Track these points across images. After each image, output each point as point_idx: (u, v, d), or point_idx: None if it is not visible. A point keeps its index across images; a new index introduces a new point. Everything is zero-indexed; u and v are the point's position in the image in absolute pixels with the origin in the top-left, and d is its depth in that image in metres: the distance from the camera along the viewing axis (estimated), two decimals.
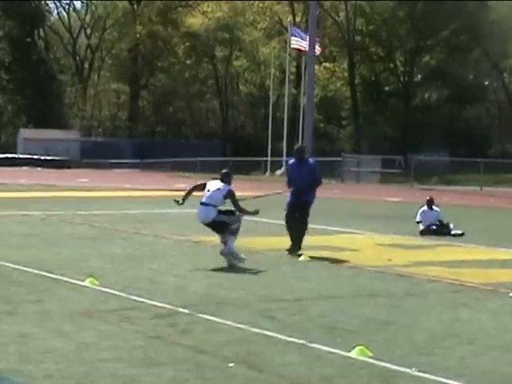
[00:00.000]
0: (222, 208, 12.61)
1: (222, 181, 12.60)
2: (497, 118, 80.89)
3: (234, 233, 12.42)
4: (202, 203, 12.52)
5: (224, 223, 12.39)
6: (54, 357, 6.85)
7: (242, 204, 12.69)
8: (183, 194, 12.97)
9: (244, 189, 33.21)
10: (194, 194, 12.89)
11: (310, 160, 14.45)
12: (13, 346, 7.16)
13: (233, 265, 12.23)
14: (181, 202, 12.87)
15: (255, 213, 12.86)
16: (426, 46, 72.01)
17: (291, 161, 14.72)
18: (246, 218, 12.96)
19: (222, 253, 12.38)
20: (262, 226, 18.76)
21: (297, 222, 14.09)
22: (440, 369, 6.88)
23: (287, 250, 13.88)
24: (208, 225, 12.64)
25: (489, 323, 8.98)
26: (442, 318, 9.03)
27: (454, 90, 70.34)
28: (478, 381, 6.58)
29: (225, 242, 12.43)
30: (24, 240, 14.82)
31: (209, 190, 12.50)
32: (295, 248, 13.87)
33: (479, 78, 74.26)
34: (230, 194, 12.45)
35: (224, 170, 13.01)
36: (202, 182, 12.96)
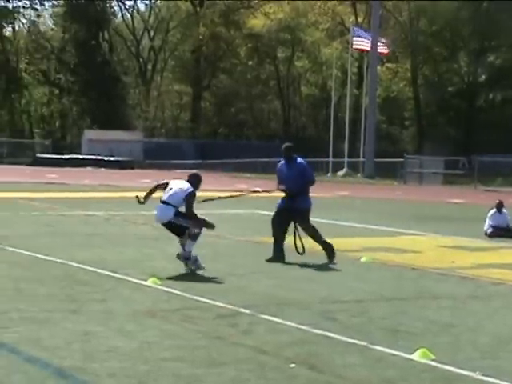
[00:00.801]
0: (183, 210, 11.57)
1: (189, 181, 11.66)
2: None
3: (194, 237, 11.45)
4: (161, 201, 11.55)
5: (181, 227, 11.41)
6: (118, 355, 6.92)
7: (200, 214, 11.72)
8: (145, 193, 12.13)
9: None
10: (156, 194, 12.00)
11: (299, 159, 13.45)
12: (77, 344, 7.26)
13: (192, 271, 11.36)
14: (142, 201, 11.97)
15: (209, 226, 11.73)
16: (491, 46, 71.07)
17: (280, 162, 13.66)
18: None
19: (178, 256, 11.53)
20: (326, 227, 18.71)
21: (305, 231, 13.16)
22: (504, 373, 6.78)
23: (268, 260, 12.78)
24: (164, 225, 11.59)
25: None
26: (507, 321, 8.90)
27: None
28: None
29: (183, 245, 11.56)
30: (88, 240, 15.02)
31: (171, 189, 11.54)
32: (331, 254, 13.06)
33: None
34: (190, 196, 11.44)
35: (194, 172, 12.18)
36: (165, 180, 11.86)
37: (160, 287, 10.13)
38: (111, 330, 7.83)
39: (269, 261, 12.73)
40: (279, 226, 13.08)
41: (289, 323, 8.30)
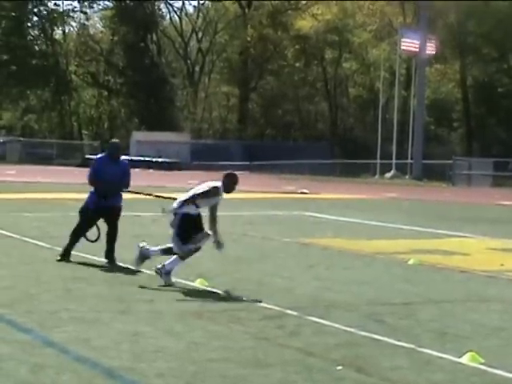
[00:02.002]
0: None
1: (222, 182, 10.59)
2: None
3: (183, 256, 10.49)
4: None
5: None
6: (165, 356, 6.96)
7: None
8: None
9: (353, 192, 33.08)
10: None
11: (124, 161, 12.57)
12: (126, 344, 7.32)
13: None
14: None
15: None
16: None
17: (100, 155, 12.70)
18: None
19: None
20: (373, 228, 18.64)
21: (109, 228, 12.34)
22: None
23: (59, 259, 12.01)
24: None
25: None
26: None
27: None
28: None
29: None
30: (136, 240, 15.10)
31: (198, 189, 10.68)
32: (111, 257, 12.10)
33: None
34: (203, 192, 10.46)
35: (228, 172, 10.88)
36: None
37: (207, 288, 10.17)
38: (159, 331, 7.88)
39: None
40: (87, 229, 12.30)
41: (336, 325, 8.28)
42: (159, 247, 10.94)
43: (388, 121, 63.37)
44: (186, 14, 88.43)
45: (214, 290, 10.02)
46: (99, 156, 12.75)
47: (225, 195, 10.67)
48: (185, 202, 10.52)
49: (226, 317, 8.57)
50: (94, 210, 12.23)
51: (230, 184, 10.55)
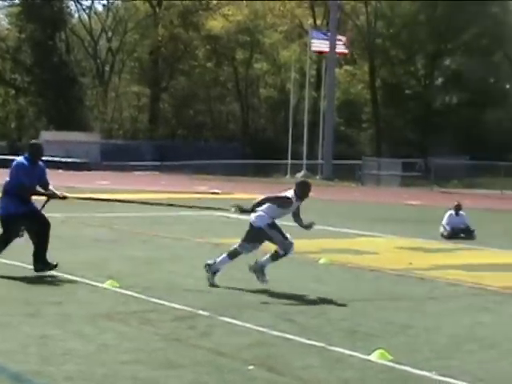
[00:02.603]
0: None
1: (294, 191, 10.98)
2: None
3: (275, 257, 11.05)
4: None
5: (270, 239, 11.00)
6: (75, 358, 6.86)
7: None
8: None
9: (264, 192, 33.23)
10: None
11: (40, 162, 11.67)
12: (34, 347, 7.19)
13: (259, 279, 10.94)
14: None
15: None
16: (447, 49, 71.85)
17: (21, 159, 11.50)
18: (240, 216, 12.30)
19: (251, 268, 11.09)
20: (285, 228, 18.76)
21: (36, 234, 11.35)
22: (460, 373, 6.85)
23: None
24: (253, 229, 11.03)
25: (510, 327, 8.93)
26: (463, 322, 8.98)
27: (475, 93, 70.09)
28: None
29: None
30: None
31: None
32: (40, 261, 11.19)
33: (500, 81, 73.99)
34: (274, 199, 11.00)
35: (301, 180, 11.44)
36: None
37: (118, 290, 10.06)
38: (68, 333, 7.76)
39: None
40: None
41: (247, 325, 8.30)
42: (224, 255, 10.95)
43: (299, 121, 63.82)
44: (96, 13, 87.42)
45: (125, 292, 9.92)
46: (21, 160, 11.56)
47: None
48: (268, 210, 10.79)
49: (136, 318, 8.50)
50: (18, 216, 11.25)
51: (302, 193, 10.94)
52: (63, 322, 8.20)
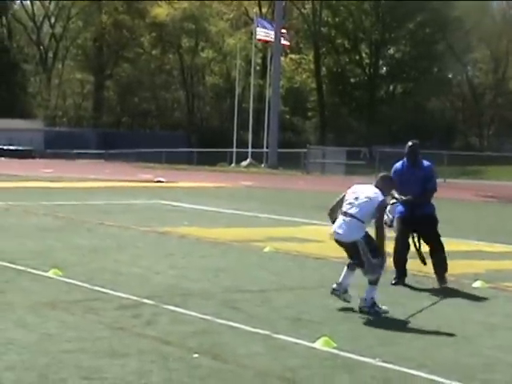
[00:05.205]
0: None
1: (377, 186, 9.49)
2: (460, 111, 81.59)
3: (375, 280, 9.00)
4: (344, 213, 9.29)
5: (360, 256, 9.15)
6: (17, 348, 6.79)
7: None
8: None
9: (209, 180, 33.21)
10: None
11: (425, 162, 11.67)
12: None
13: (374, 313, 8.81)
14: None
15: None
16: (391, 38, 72.47)
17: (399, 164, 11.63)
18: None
19: (335, 292, 9.21)
20: (229, 216, 18.75)
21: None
22: (403, 359, 6.93)
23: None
24: (341, 243, 9.46)
25: (451, 314, 9.05)
26: (406, 310, 9.08)
27: (419, 82, 70.84)
28: (440, 371, 6.63)
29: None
30: None
31: (356, 198, 9.37)
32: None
33: (443, 70, 74.88)
34: (381, 207, 9.45)
35: (382, 174, 9.95)
36: (342, 194, 9.70)
37: (61, 278, 9.97)
38: (10, 322, 7.67)
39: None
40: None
41: (192, 313, 8.29)
42: (344, 273, 9.46)
43: (244, 110, 63.88)
44: None
45: (69, 281, 9.83)
46: None
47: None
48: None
49: (80, 307, 8.44)
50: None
51: (386, 188, 9.75)
52: (5, 312, 8.11)
